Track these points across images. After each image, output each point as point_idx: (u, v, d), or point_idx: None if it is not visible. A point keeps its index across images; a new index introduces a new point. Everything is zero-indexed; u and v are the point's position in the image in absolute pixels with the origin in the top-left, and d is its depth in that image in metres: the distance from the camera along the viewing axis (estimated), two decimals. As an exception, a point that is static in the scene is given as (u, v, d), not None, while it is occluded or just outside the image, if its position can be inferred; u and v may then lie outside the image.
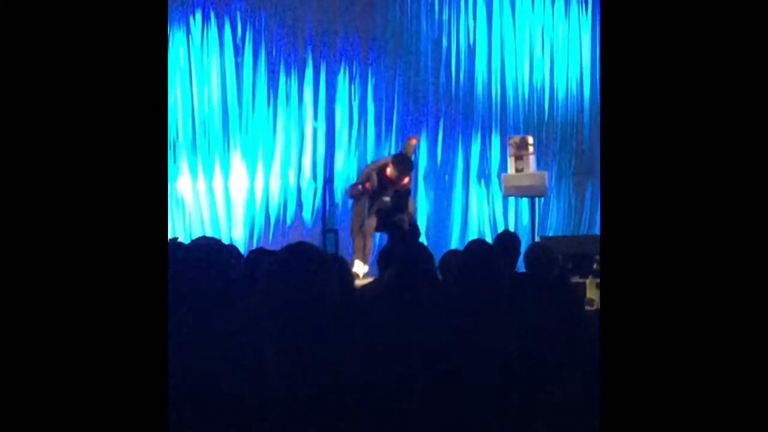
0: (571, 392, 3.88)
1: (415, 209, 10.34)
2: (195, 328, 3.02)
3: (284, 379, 2.78)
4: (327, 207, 10.88)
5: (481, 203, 11.89)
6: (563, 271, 5.77)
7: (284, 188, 11.23)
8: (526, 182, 10.42)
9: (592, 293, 7.58)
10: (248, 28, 11.09)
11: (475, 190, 11.89)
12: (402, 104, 11.68)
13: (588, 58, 12.03)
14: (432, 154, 11.77)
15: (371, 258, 9.49)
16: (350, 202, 10.24)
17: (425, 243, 9.62)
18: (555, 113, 12.07)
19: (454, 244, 11.18)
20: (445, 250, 5.53)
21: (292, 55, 11.21)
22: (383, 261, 4.91)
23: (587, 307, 6.11)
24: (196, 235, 9.58)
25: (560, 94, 12.07)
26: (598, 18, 11.62)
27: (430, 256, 4.69)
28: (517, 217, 11.78)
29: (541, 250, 5.54)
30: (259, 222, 11.14)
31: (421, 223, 11.17)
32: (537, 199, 10.78)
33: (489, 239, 9.42)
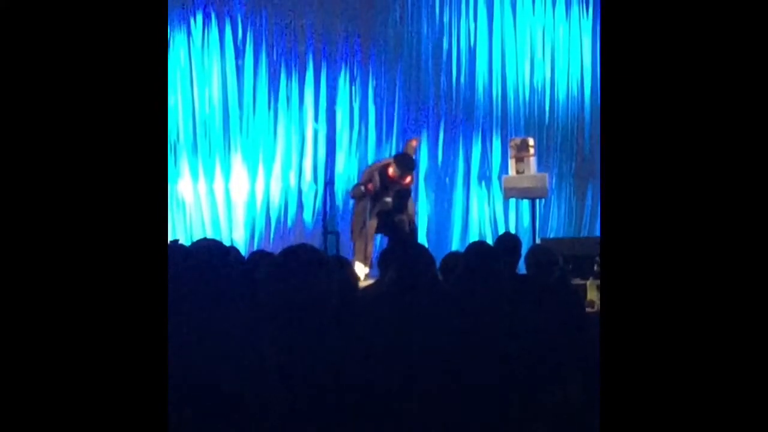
0: (571, 393, 3.89)
1: (416, 211, 10.34)
2: (195, 329, 3.02)
3: (284, 379, 2.78)
4: (328, 209, 10.87)
5: (482, 205, 11.88)
6: (564, 273, 5.75)
7: (285, 190, 11.24)
8: (526, 184, 10.43)
9: (593, 295, 7.57)
10: (249, 29, 11.10)
11: (476, 191, 11.88)
12: (403, 106, 11.69)
13: (588, 59, 12.01)
14: (433, 155, 11.77)
15: (372, 260, 9.49)
16: (351, 202, 10.23)
17: (426, 245, 9.62)
18: (556, 115, 12.05)
19: (455, 245, 11.18)
20: (445, 252, 5.53)
21: (293, 57, 11.22)
22: (384, 263, 4.91)
23: (588, 309, 6.12)
24: (197, 236, 9.58)
25: (561, 96, 12.05)
26: (598, 19, 11.60)
27: (430, 258, 4.69)
28: (517, 219, 11.78)
29: (542, 251, 5.53)
30: (260, 224, 11.16)
31: (422, 224, 11.18)
32: (538, 201, 10.79)
33: (490, 241, 9.39)
